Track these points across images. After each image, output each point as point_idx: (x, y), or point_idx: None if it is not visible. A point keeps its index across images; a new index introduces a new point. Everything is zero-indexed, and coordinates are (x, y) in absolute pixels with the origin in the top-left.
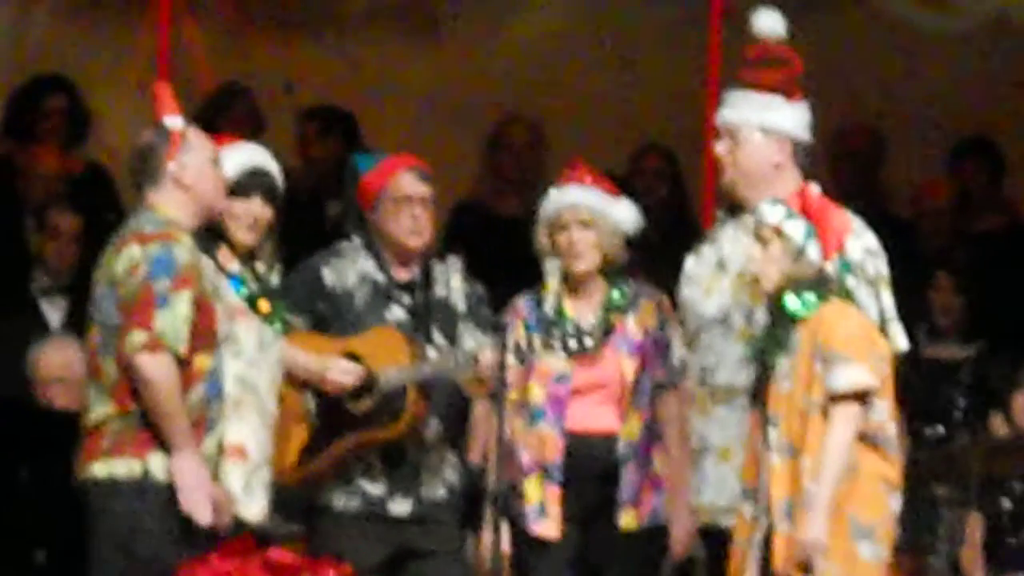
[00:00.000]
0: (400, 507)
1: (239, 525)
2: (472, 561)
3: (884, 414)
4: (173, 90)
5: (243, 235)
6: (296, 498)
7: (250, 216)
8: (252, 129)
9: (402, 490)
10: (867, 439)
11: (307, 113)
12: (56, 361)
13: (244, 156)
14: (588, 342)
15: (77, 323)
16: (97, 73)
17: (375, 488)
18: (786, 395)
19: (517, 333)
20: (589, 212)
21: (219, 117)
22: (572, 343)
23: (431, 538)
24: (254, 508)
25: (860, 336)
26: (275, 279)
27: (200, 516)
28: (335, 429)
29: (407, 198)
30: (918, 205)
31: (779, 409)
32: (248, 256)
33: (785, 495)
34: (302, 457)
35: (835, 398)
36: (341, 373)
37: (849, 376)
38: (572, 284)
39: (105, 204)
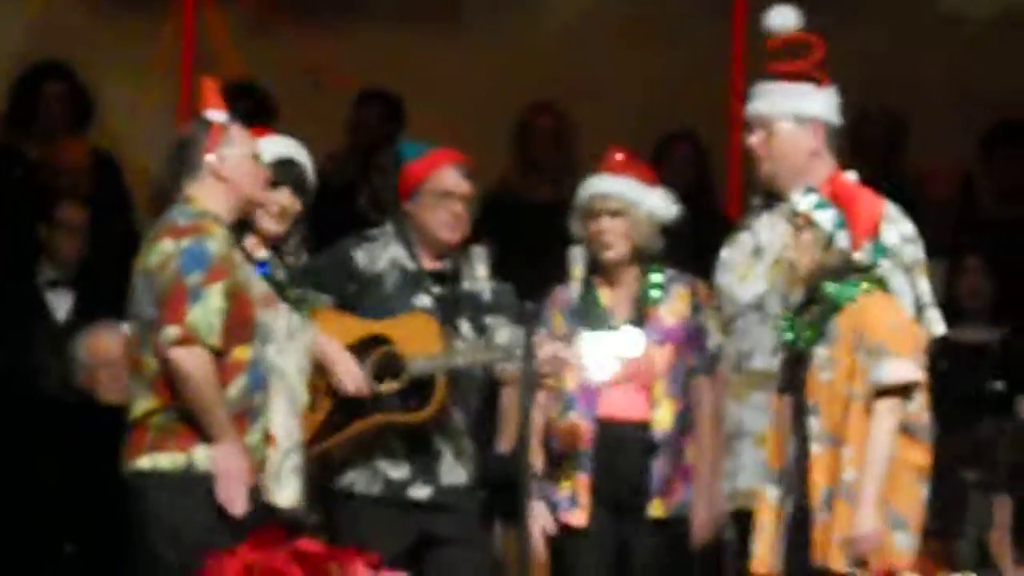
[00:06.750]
0: (420, 492)
1: (271, 512)
2: (498, 550)
3: (919, 403)
4: (218, 84)
5: (270, 224)
6: (317, 483)
7: (278, 206)
8: (263, 119)
9: (423, 476)
10: (903, 429)
11: (361, 97)
12: (105, 346)
13: (276, 147)
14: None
15: (83, 316)
16: (122, 63)
17: (397, 472)
18: (826, 384)
19: (555, 322)
20: (619, 201)
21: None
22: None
23: (452, 525)
24: (285, 494)
25: (904, 328)
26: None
27: (234, 506)
28: (358, 408)
29: (448, 193)
30: (922, 194)
31: (819, 398)
32: (275, 245)
33: (825, 484)
34: (320, 432)
35: (881, 391)
36: (345, 373)
37: (896, 370)
38: (605, 272)
39: (112, 193)
